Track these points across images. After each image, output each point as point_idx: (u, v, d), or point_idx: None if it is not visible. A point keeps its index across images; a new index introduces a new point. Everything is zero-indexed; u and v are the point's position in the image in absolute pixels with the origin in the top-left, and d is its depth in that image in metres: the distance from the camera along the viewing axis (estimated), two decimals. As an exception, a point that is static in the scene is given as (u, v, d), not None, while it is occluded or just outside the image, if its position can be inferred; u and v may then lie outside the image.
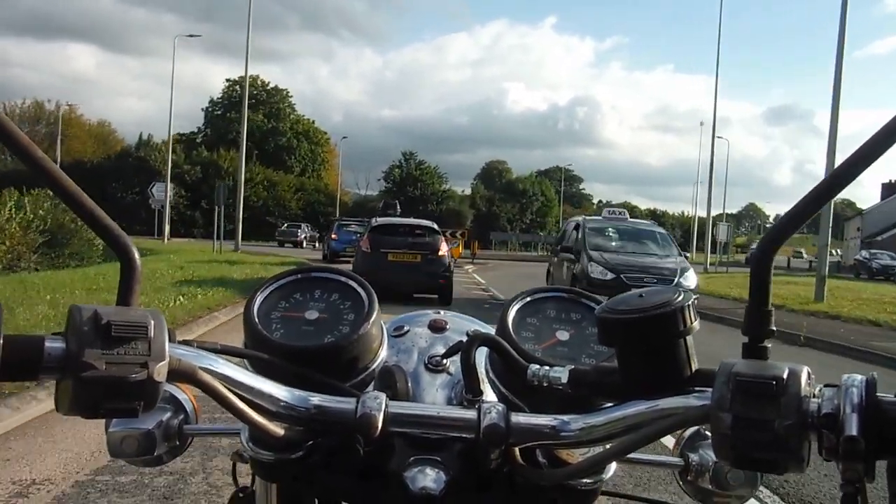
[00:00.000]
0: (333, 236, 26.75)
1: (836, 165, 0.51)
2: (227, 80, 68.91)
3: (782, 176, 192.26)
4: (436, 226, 14.16)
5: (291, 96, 70.37)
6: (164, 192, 35.81)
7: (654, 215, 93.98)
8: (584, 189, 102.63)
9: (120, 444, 0.71)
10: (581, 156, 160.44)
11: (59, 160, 41.18)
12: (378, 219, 14.98)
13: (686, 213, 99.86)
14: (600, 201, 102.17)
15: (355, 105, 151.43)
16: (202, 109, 68.82)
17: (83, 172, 45.13)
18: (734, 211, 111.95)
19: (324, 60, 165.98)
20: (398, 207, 19.67)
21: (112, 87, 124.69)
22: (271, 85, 69.34)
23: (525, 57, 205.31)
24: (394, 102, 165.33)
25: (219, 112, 67.91)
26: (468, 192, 73.71)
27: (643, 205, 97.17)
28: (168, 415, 0.73)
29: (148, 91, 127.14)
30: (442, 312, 0.88)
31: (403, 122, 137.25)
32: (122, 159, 56.16)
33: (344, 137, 73.19)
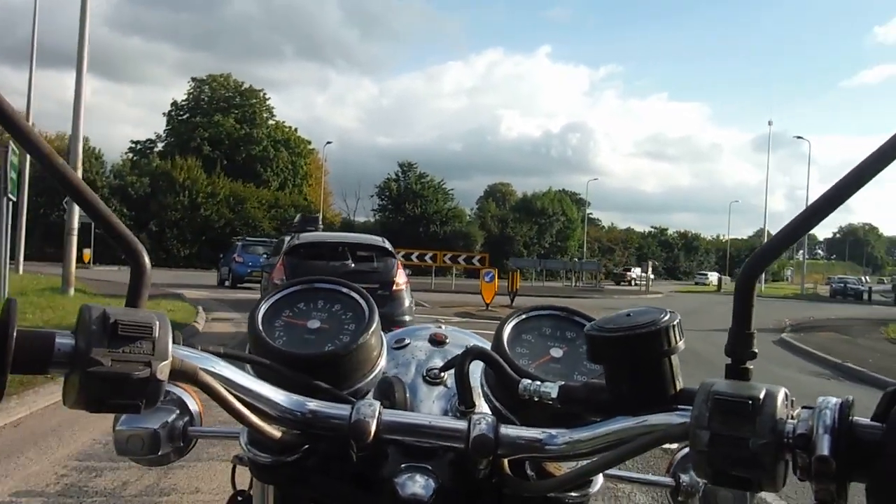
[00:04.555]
0: (237, 258, 22.96)
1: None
2: (193, 80, 58.57)
3: (776, 202, 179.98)
4: (388, 244, 9.89)
5: (269, 98, 59.87)
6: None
7: (685, 238, 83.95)
8: (591, 213, 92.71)
9: (126, 443, 0.74)
10: (575, 183, 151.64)
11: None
12: (301, 236, 10.67)
13: (721, 237, 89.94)
14: (606, 226, 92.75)
15: (351, 132, 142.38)
16: (163, 114, 58.13)
17: None
18: (746, 236, 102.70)
19: (320, 89, 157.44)
20: (320, 223, 14.31)
21: (108, 113, 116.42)
22: (246, 85, 59.01)
23: (519, 85, 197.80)
24: (388, 130, 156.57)
25: (183, 116, 57.34)
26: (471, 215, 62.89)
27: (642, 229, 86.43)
28: (173, 416, 0.76)
29: (142, 118, 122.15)
30: (443, 326, 0.90)
31: (398, 148, 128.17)
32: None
33: (328, 142, 63.05)
